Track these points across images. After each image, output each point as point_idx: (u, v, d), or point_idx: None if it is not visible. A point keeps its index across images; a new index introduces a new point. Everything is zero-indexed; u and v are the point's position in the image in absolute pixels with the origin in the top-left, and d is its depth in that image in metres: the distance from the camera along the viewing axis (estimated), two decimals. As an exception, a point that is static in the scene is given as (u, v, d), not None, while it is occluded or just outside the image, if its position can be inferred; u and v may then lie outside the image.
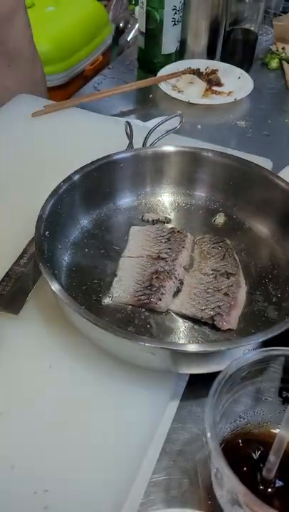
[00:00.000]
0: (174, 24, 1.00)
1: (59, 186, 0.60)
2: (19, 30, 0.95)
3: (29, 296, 0.57)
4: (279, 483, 0.40)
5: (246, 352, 0.43)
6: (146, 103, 0.99)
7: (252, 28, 1.04)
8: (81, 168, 0.62)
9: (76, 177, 0.61)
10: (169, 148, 0.66)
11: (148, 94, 1.00)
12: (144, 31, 1.02)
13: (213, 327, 0.54)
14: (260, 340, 0.46)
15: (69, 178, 0.61)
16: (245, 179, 0.65)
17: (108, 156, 0.64)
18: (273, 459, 0.39)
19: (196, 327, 0.55)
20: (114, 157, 0.64)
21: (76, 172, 0.61)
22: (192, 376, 0.51)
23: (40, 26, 1.31)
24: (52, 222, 0.57)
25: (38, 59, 1.04)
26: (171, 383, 0.51)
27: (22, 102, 0.90)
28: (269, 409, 0.44)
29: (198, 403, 0.51)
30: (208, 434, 0.35)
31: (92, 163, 0.63)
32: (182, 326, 0.55)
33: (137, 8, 1.09)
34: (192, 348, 0.47)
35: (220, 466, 0.34)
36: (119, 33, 1.69)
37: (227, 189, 0.67)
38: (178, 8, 0.99)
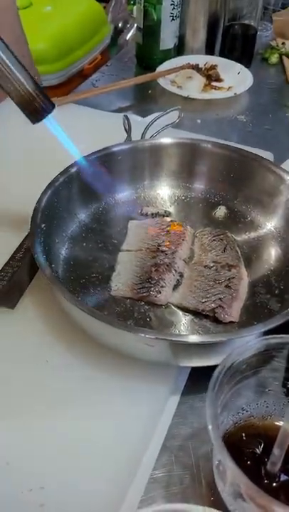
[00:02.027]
0: (172, 19, 1.00)
1: (56, 179, 0.59)
2: (9, 31, 0.94)
3: (26, 290, 0.56)
4: (284, 477, 0.39)
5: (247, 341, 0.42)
6: (145, 99, 0.98)
7: (251, 24, 1.03)
8: (77, 162, 0.61)
9: (73, 170, 0.60)
10: (167, 140, 0.65)
11: (147, 90, 0.99)
12: (141, 27, 1.01)
13: (215, 320, 0.53)
14: (262, 330, 0.45)
15: (66, 170, 0.60)
16: (246, 171, 0.64)
17: (106, 148, 0.63)
18: (278, 452, 0.38)
19: (196, 320, 0.54)
20: (111, 149, 0.63)
21: (73, 165, 0.60)
22: (193, 371, 0.50)
23: (37, 26, 1.31)
24: (49, 215, 0.56)
25: (31, 58, 1.03)
26: (172, 378, 0.50)
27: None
28: (273, 402, 0.42)
29: (199, 398, 0.49)
30: (210, 426, 0.34)
31: (90, 155, 0.62)
32: (183, 319, 0.54)
33: (135, 8, 1.09)
34: (192, 339, 0.45)
35: (222, 458, 0.32)
36: (118, 33, 1.69)
37: (227, 181, 0.66)
38: (176, 3, 0.98)
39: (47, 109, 0.48)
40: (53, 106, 0.48)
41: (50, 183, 0.58)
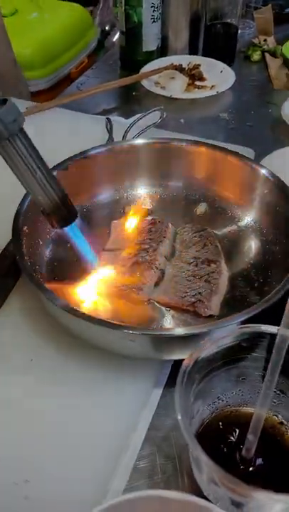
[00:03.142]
0: (154, 21, 1.01)
1: (36, 182, 0.60)
2: None
3: (11, 293, 0.57)
4: (259, 462, 0.40)
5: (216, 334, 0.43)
6: (129, 100, 0.99)
7: (232, 22, 1.04)
8: (57, 165, 0.62)
9: (54, 173, 0.61)
10: (142, 141, 0.67)
11: (131, 91, 1.00)
12: (124, 30, 1.03)
13: (196, 314, 0.54)
14: (239, 320, 0.46)
15: (47, 173, 0.61)
16: (224, 167, 0.65)
17: (84, 151, 0.64)
18: (251, 437, 0.39)
19: (178, 315, 0.55)
20: (89, 152, 0.64)
21: (52, 168, 0.61)
22: (176, 363, 0.51)
23: (24, 32, 1.33)
24: (31, 217, 0.57)
25: (17, 64, 1.05)
26: (155, 371, 0.51)
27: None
28: (248, 390, 0.43)
29: (182, 390, 0.50)
30: (179, 416, 0.35)
31: (69, 159, 0.63)
32: (165, 315, 0.55)
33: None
34: (171, 332, 0.47)
35: (194, 450, 0.33)
36: (106, 35, 1.70)
37: (207, 178, 0.67)
38: (156, 6, 0.99)
39: (71, 218, 0.50)
40: (76, 214, 0.50)
41: (31, 187, 0.59)
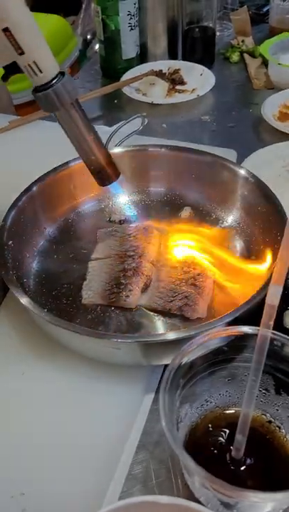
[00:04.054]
0: (131, 29, 1.02)
1: (19, 197, 0.61)
2: None
3: (0, 306, 0.58)
4: (249, 461, 0.40)
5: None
6: (111, 109, 1.00)
7: (209, 25, 1.05)
8: (39, 179, 0.63)
9: (34, 188, 0.62)
10: (120, 150, 0.67)
11: (113, 100, 1.01)
12: (102, 39, 1.03)
13: (184, 318, 0.55)
14: (224, 322, 0.46)
15: (29, 188, 0.62)
16: (205, 170, 0.66)
17: (66, 162, 0.65)
18: (240, 437, 0.39)
19: (166, 320, 0.55)
20: (71, 163, 0.65)
21: (35, 182, 0.62)
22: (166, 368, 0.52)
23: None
24: (16, 231, 0.58)
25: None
26: (146, 377, 0.51)
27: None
28: (235, 390, 0.44)
29: (173, 394, 0.51)
30: (163, 423, 0.35)
31: (50, 172, 0.64)
32: (153, 320, 0.56)
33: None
34: (157, 338, 0.47)
35: (182, 458, 0.34)
36: (87, 45, 1.71)
37: (189, 183, 0.68)
38: (133, 13, 1.00)
39: (114, 177, 0.57)
40: (119, 174, 0.57)
41: (13, 202, 0.60)
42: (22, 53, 0.45)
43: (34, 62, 0.45)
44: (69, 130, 0.52)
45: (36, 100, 0.49)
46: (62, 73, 0.48)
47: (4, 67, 0.47)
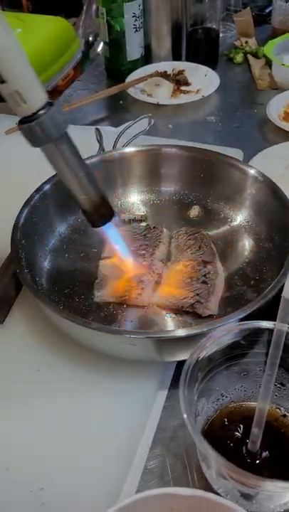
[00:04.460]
0: (136, 31, 1.03)
1: (31, 196, 0.61)
2: None
3: (13, 305, 0.59)
4: (265, 454, 0.41)
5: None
6: (117, 110, 1.01)
7: (213, 27, 1.06)
8: (52, 177, 0.63)
9: (47, 186, 0.63)
10: (132, 149, 0.68)
11: (118, 101, 1.02)
12: (107, 41, 1.04)
13: (195, 315, 0.56)
14: (237, 318, 0.47)
15: (40, 187, 0.63)
16: (214, 170, 0.67)
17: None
18: (256, 431, 0.40)
19: (178, 317, 0.56)
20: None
21: (47, 181, 0.63)
22: (179, 364, 0.52)
23: (9, 48, 1.34)
24: (28, 230, 0.59)
25: None
26: (159, 374, 0.52)
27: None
28: (250, 385, 0.45)
29: (186, 390, 0.52)
30: (185, 415, 0.36)
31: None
32: (165, 318, 0.56)
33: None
34: (171, 334, 0.48)
35: (201, 447, 0.35)
36: (89, 46, 1.72)
37: (198, 182, 0.69)
38: (138, 15, 1.01)
39: (109, 217, 0.52)
40: (113, 213, 0.52)
41: (26, 201, 0.61)
42: (3, 82, 0.41)
43: (17, 92, 0.41)
44: (57, 166, 0.47)
45: (22, 134, 0.44)
46: (50, 103, 0.43)
47: None
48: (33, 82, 0.42)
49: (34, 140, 0.44)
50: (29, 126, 0.42)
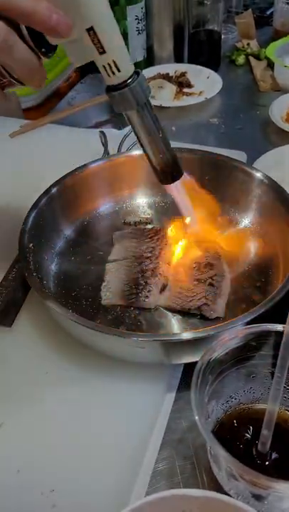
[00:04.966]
0: (139, 33, 1.03)
1: (38, 200, 0.62)
2: None
3: (21, 308, 0.59)
4: (275, 456, 0.41)
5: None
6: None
7: (215, 29, 1.07)
8: (58, 181, 0.64)
9: (54, 190, 0.63)
10: (137, 152, 0.68)
11: (121, 103, 1.02)
12: (110, 43, 1.05)
13: (203, 318, 0.56)
14: (245, 321, 0.47)
15: (47, 191, 0.63)
16: (219, 172, 0.67)
17: (82, 166, 0.66)
18: (266, 432, 0.41)
19: (185, 319, 0.56)
20: (88, 167, 0.66)
21: (53, 185, 0.63)
22: (187, 366, 0.53)
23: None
24: (35, 234, 0.59)
25: None
26: (167, 376, 0.52)
27: (-1, 125, 0.92)
28: (259, 387, 0.45)
29: (194, 392, 0.52)
30: (196, 416, 0.36)
31: (68, 174, 0.65)
32: (172, 320, 0.57)
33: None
34: (178, 337, 0.48)
35: (213, 447, 0.35)
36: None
37: (203, 184, 0.69)
38: (140, 18, 1.01)
39: (178, 175, 0.56)
40: (182, 173, 0.56)
41: (33, 205, 0.61)
42: (103, 52, 0.43)
43: (113, 61, 0.44)
44: (140, 129, 0.51)
45: (110, 99, 0.47)
46: (136, 72, 0.47)
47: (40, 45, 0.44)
48: (126, 52, 0.45)
49: (124, 105, 0.48)
50: (121, 92, 0.46)
